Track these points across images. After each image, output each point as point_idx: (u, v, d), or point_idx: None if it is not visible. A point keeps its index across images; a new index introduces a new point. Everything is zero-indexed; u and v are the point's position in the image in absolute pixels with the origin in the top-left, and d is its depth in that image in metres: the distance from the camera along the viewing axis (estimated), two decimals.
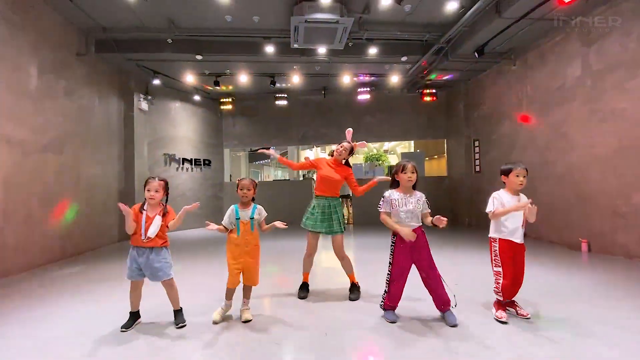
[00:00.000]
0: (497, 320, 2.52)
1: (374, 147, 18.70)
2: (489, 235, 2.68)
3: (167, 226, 2.53)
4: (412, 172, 2.55)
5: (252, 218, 2.64)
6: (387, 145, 17.98)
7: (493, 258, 2.62)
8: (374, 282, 3.40)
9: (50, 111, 5.12)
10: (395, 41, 6.45)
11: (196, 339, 2.37)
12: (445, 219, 2.42)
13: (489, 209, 2.62)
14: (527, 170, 2.63)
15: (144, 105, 7.62)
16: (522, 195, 2.67)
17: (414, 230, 2.51)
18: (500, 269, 2.56)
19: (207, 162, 9.38)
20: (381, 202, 2.62)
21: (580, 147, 5.21)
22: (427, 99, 8.59)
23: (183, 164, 8.75)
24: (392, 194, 2.61)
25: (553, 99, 5.69)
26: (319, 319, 2.68)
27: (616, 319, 2.55)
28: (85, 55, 5.85)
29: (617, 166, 4.65)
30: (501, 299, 2.59)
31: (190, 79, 7.61)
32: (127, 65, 6.92)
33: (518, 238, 2.57)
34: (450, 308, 2.54)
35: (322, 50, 6.39)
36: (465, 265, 4.38)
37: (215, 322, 2.57)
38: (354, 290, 3.19)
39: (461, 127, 8.59)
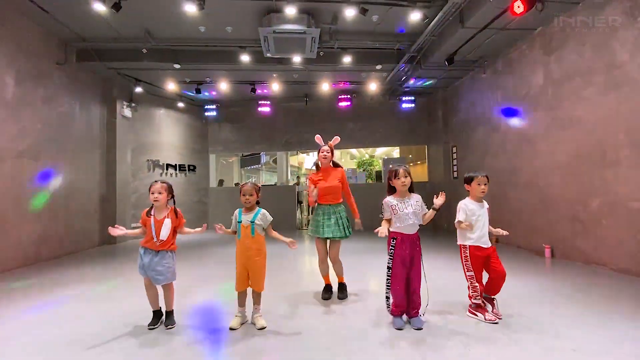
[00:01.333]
0: (490, 322, 2.60)
1: (365, 152, 18.85)
2: (458, 243, 2.80)
3: (177, 230, 2.65)
4: (405, 177, 2.60)
5: (252, 222, 2.60)
6: (379, 150, 18.11)
7: (464, 263, 2.74)
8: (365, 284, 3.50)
9: (27, 119, 5.30)
10: (368, 50, 6.60)
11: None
12: (442, 196, 2.56)
13: (458, 218, 2.75)
14: (488, 178, 2.76)
15: (127, 112, 7.81)
16: (484, 202, 2.81)
17: (412, 236, 2.60)
18: (472, 273, 2.70)
19: (191, 167, 9.54)
20: (382, 210, 2.68)
21: (543, 153, 5.30)
22: (407, 105, 8.74)
23: (167, 169, 8.90)
24: (390, 200, 2.65)
25: (520, 107, 5.79)
26: (319, 326, 2.67)
27: (562, 326, 2.61)
28: (64, 64, 6.04)
29: (576, 173, 4.73)
30: (478, 301, 2.69)
31: (171, 86, 7.80)
32: (108, 74, 7.12)
33: (485, 243, 2.70)
34: (420, 315, 2.63)
35: (296, 59, 6.56)
36: (446, 271, 4.41)
37: (232, 329, 2.56)
38: (343, 290, 3.38)
39: (440, 133, 8.70)
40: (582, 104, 4.60)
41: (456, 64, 6.43)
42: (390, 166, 2.74)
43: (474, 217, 2.71)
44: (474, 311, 2.75)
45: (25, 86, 5.28)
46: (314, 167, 3.56)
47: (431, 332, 2.49)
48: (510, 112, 6.07)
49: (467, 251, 2.72)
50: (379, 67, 6.95)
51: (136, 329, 2.64)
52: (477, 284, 2.70)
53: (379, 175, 10.87)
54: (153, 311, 2.69)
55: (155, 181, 2.65)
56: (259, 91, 8.35)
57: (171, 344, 2.38)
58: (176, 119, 9.31)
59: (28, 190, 5.26)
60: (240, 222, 2.64)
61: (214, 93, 8.71)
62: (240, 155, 16.85)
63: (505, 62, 6.16)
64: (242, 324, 2.66)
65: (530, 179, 5.55)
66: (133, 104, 8.01)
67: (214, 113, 9.43)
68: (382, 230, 2.57)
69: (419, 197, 2.70)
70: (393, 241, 2.63)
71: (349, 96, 8.74)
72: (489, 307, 2.75)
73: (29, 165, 5.29)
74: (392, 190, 2.70)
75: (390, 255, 2.63)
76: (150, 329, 2.60)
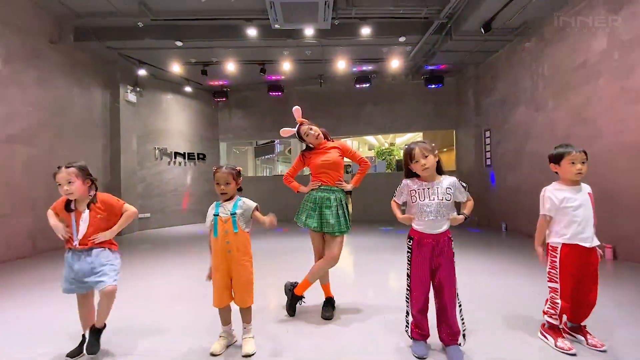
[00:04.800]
0: (560, 351, 1.88)
1: (385, 141, 17.90)
2: (547, 241, 2.06)
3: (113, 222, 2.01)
4: (425, 157, 1.87)
5: (233, 214, 2.01)
6: (400, 139, 17.14)
7: (549, 270, 2.02)
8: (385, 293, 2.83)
9: (17, 101, 4.91)
10: (390, 19, 5.79)
11: None
12: (459, 217, 1.90)
13: (543, 212, 2.04)
14: (586, 154, 1.98)
15: (132, 96, 7.38)
16: (584, 184, 2.02)
17: (435, 236, 1.90)
18: (556, 285, 1.96)
19: (201, 156, 9.09)
20: (396, 190, 2.06)
21: (606, 134, 4.38)
22: (433, 85, 7.85)
23: (175, 158, 8.48)
24: (410, 181, 1.99)
25: (574, 79, 4.85)
26: (317, 351, 2.02)
27: None
28: (59, 43, 5.61)
29: None
30: (556, 323, 1.98)
31: (176, 68, 7.28)
32: (109, 55, 6.67)
33: (586, 241, 1.92)
34: (459, 343, 1.92)
35: (309, 32, 5.85)
36: (481, 275, 3.65)
37: (213, 354, 1.96)
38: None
39: (471, 115, 7.76)
40: None
41: (494, 32, 5.54)
42: (405, 146, 2.00)
43: (569, 207, 1.94)
44: (544, 332, 2.04)
45: (14, 65, 4.87)
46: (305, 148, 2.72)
47: None
48: (560, 86, 5.12)
49: (557, 254, 1.96)
50: (402, 39, 6.11)
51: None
52: (558, 301, 1.94)
53: (400, 165, 10.02)
54: (83, 335, 2.01)
55: (59, 167, 1.93)
56: (269, 76, 7.73)
57: None
58: (184, 104, 8.84)
59: (20, 178, 4.90)
60: (217, 214, 2.01)
61: (222, 77, 8.14)
62: (255, 144, 16.37)
63: (556, 26, 5.18)
64: (227, 346, 2.05)
65: (588, 165, 4.63)
66: (138, 89, 7.58)
67: (223, 98, 8.88)
68: (403, 215, 1.98)
69: (453, 179, 1.95)
70: (409, 241, 1.95)
71: (368, 76, 7.93)
72: (581, 339, 2.00)
73: (20, 151, 4.92)
74: (411, 175, 2.00)
75: (407, 260, 1.96)
76: (67, 359, 1.91)
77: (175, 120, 8.62)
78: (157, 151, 8.13)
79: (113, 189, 7.03)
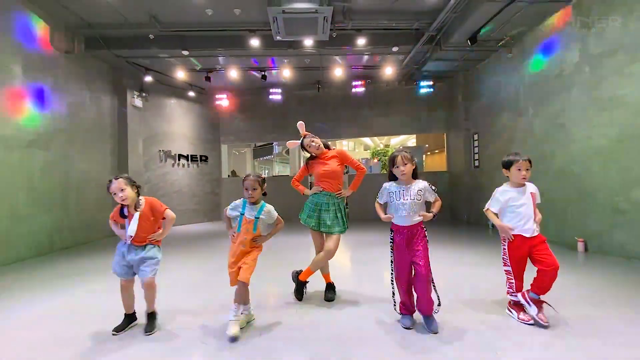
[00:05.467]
0: (522, 322, 2.35)
1: (380, 142, 18.38)
2: (501, 234, 2.49)
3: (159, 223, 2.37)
4: (404, 164, 2.28)
5: (257, 218, 2.37)
6: (394, 140, 17.63)
7: (502, 257, 2.47)
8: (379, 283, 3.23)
9: (36, 108, 5.23)
10: (384, 31, 6.21)
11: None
12: (429, 215, 2.31)
13: (488, 206, 2.51)
14: (530, 162, 2.40)
15: (138, 101, 7.71)
16: (529, 185, 2.44)
17: (409, 227, 2.31)
18: (509, 268, 2.43)
19: (203, 158, 9.43)
20: (378, 193, 2.47)
21: (579, 138, 4.83)
22: (425, 91, 8.29)
23: (179, 160, 8.82)
24: (389, 185, 2.41)
25: (551, 88, 5.31)
26: (320, 326, 2.41)
27: (611, 326, 2.32)
28: (73, 52, 5.94)
29: (619, 158, 4.27)
30: (516, 299, 2.42)
31: (181, 75, 7.63)
32: (118, 63, 7.00)
33: (528, 232, 2.36)
34: (433, 314, 2.33)
35: (308, 42, 6.24)
36: (466, 266, 4.08)
37: (234, 335, 2.26)
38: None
39: (460, 120, 8.22)
40: (628, 81, 4.11)
41: (480, 44, 5.97)
42: (393, 152, 2.44)
43: (513, 205, 2.39)
44: (510, 307, 2.51)
45: (33, 75, 5.19)
46: (306, 156, 3.11)
47: (450, 334, 2.21)
48: (539, 94, 5.58)
49: (506, 243, 2.43)
50: (395, 49, 6.54)
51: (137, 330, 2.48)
52: (513, 281, 2.42)
53: None
54: (125, 314, 2.42)
55: (110, 180, 2.27)
56: (269, 80, 8.10)
57: (170, 343, 2.20)
58: (187, 108, 9.18)
59: (38, 181, 5.23)
60: (243, 214, 2.40)
61: (224, 82, 8.50)
62: (253, 146, 16.72)
63: (535, 39, 5.64)
64: (248, 322, 2.46)
65: (563, 167, 5.09)
66: (144, 94, 7.91)
67: (225, 102, 9.24)
68: (385, 216, 2.38)
69: (425, 184, 2.35)
70: (391, 233, 2.40)
71: (363, 82, 8.35)
72: (534, 309, 2.37)
73: (38, 155, 5.25)
74: (393, 178, 2.41)
75: (390, 249, 2.41)
76: (114, 334, 2.29)
77: (179, 124, 8.96)
78: (161, 153, 8.46)
79: None
